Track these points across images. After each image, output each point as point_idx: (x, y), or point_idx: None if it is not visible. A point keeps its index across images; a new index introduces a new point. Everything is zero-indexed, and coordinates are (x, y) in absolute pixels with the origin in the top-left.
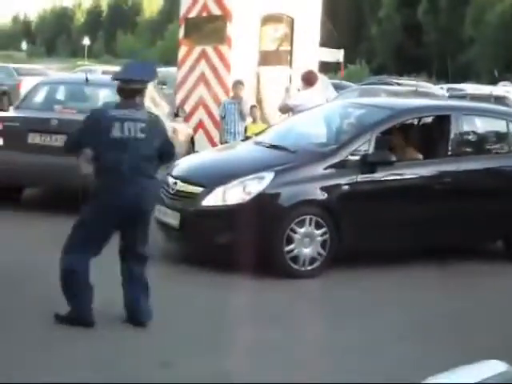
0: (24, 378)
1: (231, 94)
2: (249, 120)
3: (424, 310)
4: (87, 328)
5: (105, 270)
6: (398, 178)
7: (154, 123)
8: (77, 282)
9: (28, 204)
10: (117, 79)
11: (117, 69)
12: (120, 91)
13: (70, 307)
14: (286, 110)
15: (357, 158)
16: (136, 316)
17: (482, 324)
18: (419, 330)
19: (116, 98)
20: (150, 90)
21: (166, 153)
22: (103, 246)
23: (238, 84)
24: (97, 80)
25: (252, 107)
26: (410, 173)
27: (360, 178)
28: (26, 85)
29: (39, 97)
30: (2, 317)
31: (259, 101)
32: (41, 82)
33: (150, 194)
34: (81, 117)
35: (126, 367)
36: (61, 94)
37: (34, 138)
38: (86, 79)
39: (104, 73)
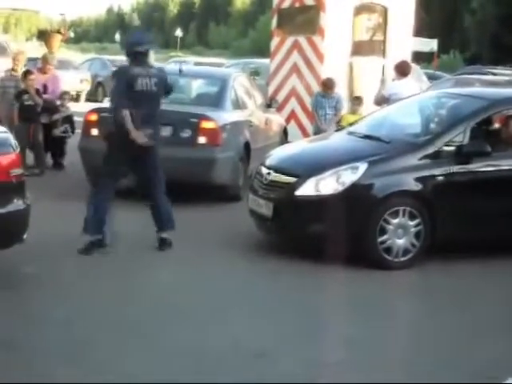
0: None
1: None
2: (344, 111)
3: None
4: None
5: None
6: (494, 168)
7: (162, 77)
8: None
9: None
10: (132, 43)
11: (209, 60)
12: (135, 53)
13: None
14: (381, 101)
15: (452, 148)
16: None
17: None
18: None
19: (208, 90)
20: (243, 80)
21: (167, 91)
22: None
23: (325, 82)
24: (190, 71)
25: (354, 99)
26: (506, 163)
27: (455, 168)
28: None
29: None
30: None
31: (352, 91)
32: None
33: (156, 136)
34: (176, 108)
35: (221, 356)
36: None
37: None
38: (180, 70)
39: (196, 64)
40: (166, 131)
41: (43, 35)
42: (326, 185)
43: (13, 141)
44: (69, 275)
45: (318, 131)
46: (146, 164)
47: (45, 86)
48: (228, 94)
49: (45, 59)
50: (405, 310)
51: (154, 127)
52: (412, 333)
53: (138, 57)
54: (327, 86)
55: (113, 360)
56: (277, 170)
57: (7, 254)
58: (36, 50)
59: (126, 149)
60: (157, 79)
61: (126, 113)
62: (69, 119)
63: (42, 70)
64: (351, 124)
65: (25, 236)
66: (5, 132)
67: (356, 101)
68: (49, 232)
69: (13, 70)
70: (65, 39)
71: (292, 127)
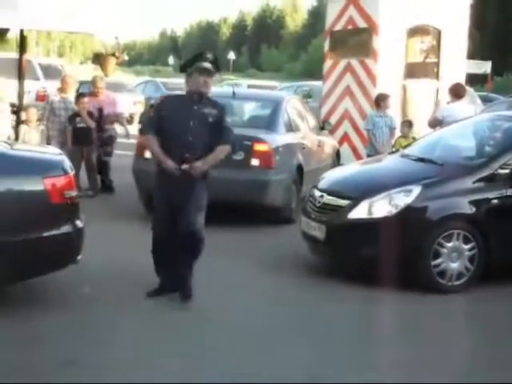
0: None
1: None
2: (398, 134)
3: None
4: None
5: None
6: None
7: None
8: None
9: None
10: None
11: (262, 82)
12: None
13: None
14: (435, 123)
15: (506, 171)
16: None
17: None
18: None
19: (261, 113)
20: (296, 103)
21: None
22: None
23: (384, 97)
24: (243, 94)
25: (403, 122)
26: None
27: (510, 191)
28: None
29: None
30: None
31: (406, 114)
32: None
33: None
34: None
35: (270, 378)
36: None
37: None
38: (233, 93)
39: (249, 87)
40: None
41: (98, 58)
42: (379, 208)
43: (67, 163)
44: (122, 296)
45: (373, 153)
46: None
47: (100, 110)
48: (281, 116)
49: (94, 82)
50: (457, 336)
51: None
52: (464, 360)
53: None
54: (381, 98)
55: None
56: (329, 193)
57: (62, 275)
58: (91, 73)
59: None
60: None
61: None
62: (111, 140)
63: (95, 93)
64: (404, 147)
65: (79, 257)
66: (60, 154)
67: (405, 123)
68: (102, 253)
69: (62, 92)
70: (119, 62)
71: (345, 150)
